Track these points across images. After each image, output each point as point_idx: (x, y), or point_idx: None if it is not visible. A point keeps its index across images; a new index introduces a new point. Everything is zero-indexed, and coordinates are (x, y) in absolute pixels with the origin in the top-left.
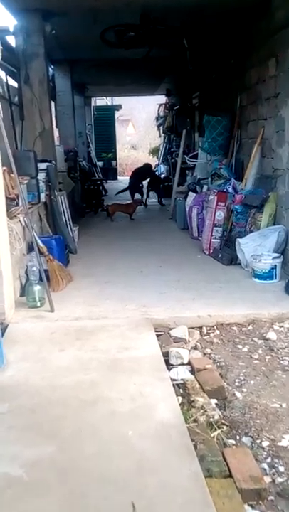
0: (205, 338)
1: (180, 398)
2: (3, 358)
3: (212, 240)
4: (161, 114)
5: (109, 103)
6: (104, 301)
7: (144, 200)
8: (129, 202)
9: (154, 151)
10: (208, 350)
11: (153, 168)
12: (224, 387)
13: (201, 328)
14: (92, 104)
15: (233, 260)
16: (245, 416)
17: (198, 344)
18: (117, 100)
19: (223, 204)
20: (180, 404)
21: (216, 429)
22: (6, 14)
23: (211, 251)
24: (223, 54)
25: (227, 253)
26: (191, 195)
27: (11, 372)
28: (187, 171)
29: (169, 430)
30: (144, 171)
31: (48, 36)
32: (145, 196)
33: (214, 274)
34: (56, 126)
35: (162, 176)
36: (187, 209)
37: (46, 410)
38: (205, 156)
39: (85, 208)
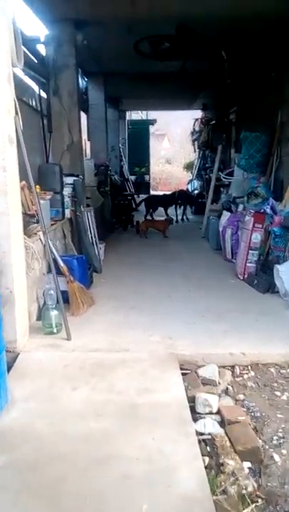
0: (237, 380)
1: (207, 459)
2: (7, 396)
3: (247, 264)
4: (197, 128)
5: (144, 117)
6: (127, 330)
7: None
8: (161, 219)
9: (189, 166)
10: (241, 396)
11: (185, 189)
12: (259, 447)
13: (233, 367)
14: (127, 118)
15: (270, 288)
16: (285, 487)
17: (230, 387)
18: (153, 115)
19: (260, 226)
20: (206, 467)
21: (249, 504)
22: (37, 23)
23: (246, 276)
24: (263, 67)
25: (264, 280)
26: (226, 215)
27: (15, 413)
28: (222, 189)
29: (192, 507)
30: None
31: (79, 46)
32: (181, 211)
33: (249, 303)
34: (88, 140)
35: (196, 192)
36: (221, 229)
37: (49, 468)
38: (241, 173)
39: (114, 223)
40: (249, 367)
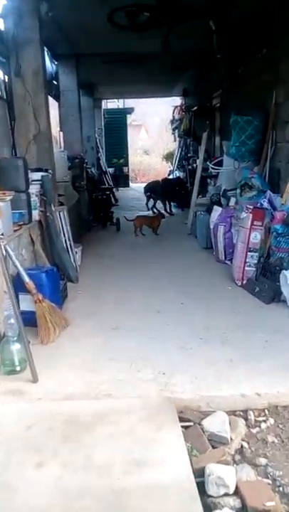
0: (254, 431)
1: None
2: None
3: (246, 268)
4: (177, 116)
5: (121, 106)
6: (108, 362)
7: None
8: (153, 215)
9: (168, 157)
10: (263, 461)
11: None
12: None
13: (246, 413)
14: (103, 107)
15: (275, 297)
16: None
17: (245, 444)
18: (129, 105)
19: (260, 224)
20: None
21: None
22: None
23: (244, 281)
24: (254, 42)
25: (267, 287)
26: (216, 210)
27: None
28: (209, 180)
29: None
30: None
31: (43, 19)
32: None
33: (253, 317)
34: (60, 130)
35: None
36: (211, 226)
37: None
38: (232, 162)
39: (92, 220)
40: (266, 411)
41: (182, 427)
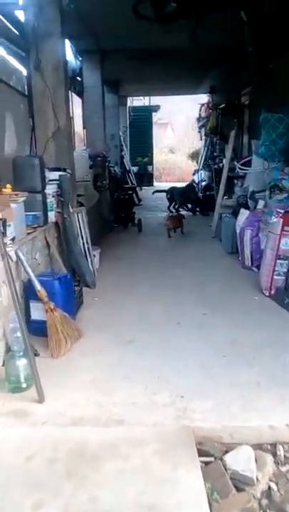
0: (283, 470)
1: None
2: None
3: (274, 277)
4: (203, 114)
5: (147, 103)
6: (122, 381)
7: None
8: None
9: (194, 155)
10: None
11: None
12: None
13: (274, 447)
14: (128, 104)
15: None
16: None
17: (273, 486)
18: (155, 102)
19: None
20: None
21: None
22: None
23: (273, 292)
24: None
25: None
26: (243, 213)
27: None
28: (236, 180)
29: None
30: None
31: (65, 10)
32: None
33: (283, 333)
34: (83, 128)
35: (203, 183)
36: (238, 230)
37: None
38: (261, 162)
39: (113, 221)
40: None
41: (201, 461)
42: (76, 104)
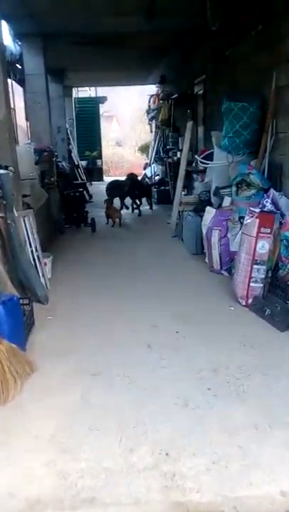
0: None
1: None
2: None
3: (251, 285)
4: (153, 106)
5: (93, 95)
6: (89, 433)
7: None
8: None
9: (144, 149)
10: None
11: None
12: None
13: None
14: (74, 95)
15: None
16: None
17: None
18: (101, 93)
19: (268, 231)
20: None
21: None
22: None
23: (250, 301)
24: (247, 18)
25: (279, 308)
26: (209, 212)
27: None
28: (195, 175)
29: None
30: (127, 185)
31: None
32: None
33: (270, 352)
34: (26, 120)
35: (157, 177)
36: (204, 231)
37: None
38: (224, 156)
39: (64, 221)
40: None
41: None
42: (18, 95)
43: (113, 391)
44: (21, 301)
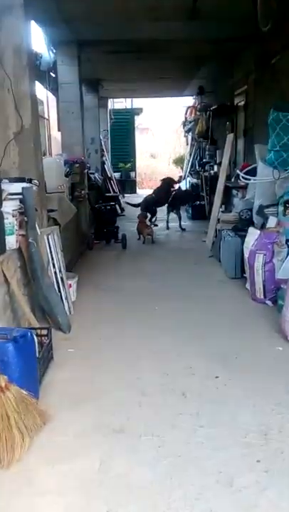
0: None
1: None
2: None
3: None
4: (190, 118)
5: (129, 106)
6: None
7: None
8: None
9: (178, 161)
10: None
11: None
12: None
13: None
14: (110, 106)
15: None
16: None
17: None
18: (137, 105)
19: None
20: None
21: None
22: None
23: None
24: None
25: None
26: (253, 233)
27: None
28: (235, 191)
29: None
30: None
31: None
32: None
33: None
34: (58, 130)
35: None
36: (246, 254)
37: None
38: (270, 171)
39: (94, 236)
40: None
41: None
42: (53, 106)
43: (138, 459)
44: (39, 331)
